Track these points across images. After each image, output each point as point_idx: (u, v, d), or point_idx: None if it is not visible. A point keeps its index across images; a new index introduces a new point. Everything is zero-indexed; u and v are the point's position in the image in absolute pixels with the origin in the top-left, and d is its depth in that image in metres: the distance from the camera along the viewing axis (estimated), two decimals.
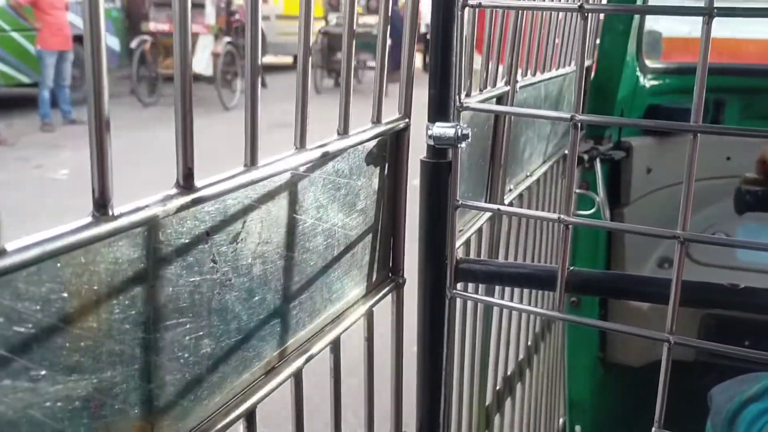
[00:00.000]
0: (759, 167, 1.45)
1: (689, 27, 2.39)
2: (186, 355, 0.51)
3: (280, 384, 0.62)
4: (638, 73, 2.00)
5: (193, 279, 0.50)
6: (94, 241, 0.40)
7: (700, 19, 0.64)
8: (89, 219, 0.40)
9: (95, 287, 0.42)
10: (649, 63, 2.03)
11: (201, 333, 0.52)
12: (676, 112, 2.00)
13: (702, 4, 0.63)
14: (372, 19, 11.53)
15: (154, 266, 0.46)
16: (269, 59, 13.56)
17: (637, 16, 1.92)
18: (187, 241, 0.49)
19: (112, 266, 0.43)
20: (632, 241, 2.02)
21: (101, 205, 0.40)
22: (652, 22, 2.03)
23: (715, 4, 0.63)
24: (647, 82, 2.03)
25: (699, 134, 0.66)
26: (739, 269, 1.92)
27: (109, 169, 0.40)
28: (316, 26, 11.63)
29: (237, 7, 10.87)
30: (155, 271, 0.46)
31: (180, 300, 0.49)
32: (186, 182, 0.47)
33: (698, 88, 0.65)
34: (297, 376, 0.64)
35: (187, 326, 0.50)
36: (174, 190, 0.47)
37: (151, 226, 0.45)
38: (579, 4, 0.65)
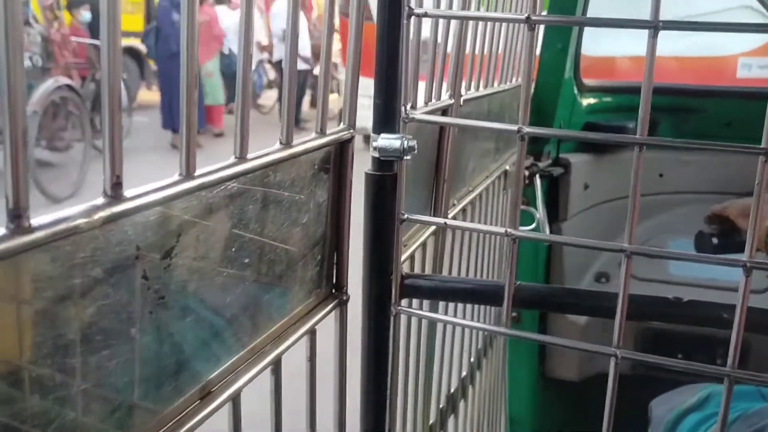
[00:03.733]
0: (714, 220, 1.44)
1: (625, 46, 2.46)
2: (113, 381, 0.47)
3: (217, 409, 0.58)
4: (576, 92, 2.04)
5: (120, 297, 0.46)
6: (8, 256, 0.36)
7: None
8: (3, 231, 0.36)
9: (9, 307, 0.38)
10: (586, 81, 2.07)
11: (130, 356, 0.48)
12: (612, 130, 2.04)
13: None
14: None
15: (77, 283, 0.42)
16: None
17: (575, 35, 1.96)
18: (114, 256, 0.45)
19: (30, 284, 0.39)
20: (570, 256, 2.04)
21: (16, 216, 0.36)
22: (589, 41, 2.08)
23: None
24: (584, 100, 2.07)
25: (644, 147, 0.66)
26: (671, 283, 1.96)
27: (24, 176, 0.36)
28: None
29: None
30: (78, 288, 0.42)
31: (106, 320, 0.45)
32: (114, 191, 0.43)
33: (644, 102, 0.65)
34: (235, 400, 0.60)
35: (115, 349, 0.46)
36: (101, 200, 0.43)
37: (74, 239, 0.41)
38: (526, 15, 0.65)
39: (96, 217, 0.42)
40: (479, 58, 1.22)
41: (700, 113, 2.14)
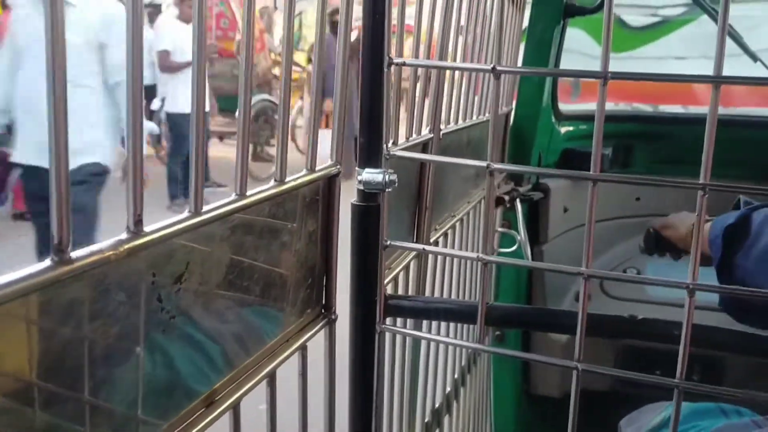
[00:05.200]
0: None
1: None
2: (133, 390, 0.54)
3: (220, 416, 0.65)
4: (553, 120, 2.14)
5: (140, 317, 0.54)
6: (52, 284, 0.44)
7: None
8: (48, 263, 0.44)
9: (49, 326, 0.45)
10: (563, 109, 2.17)
11: (146, 369, 0.56)
12: (588, 156, 2.13)
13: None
14: None
15: (105, 305, 0.50)
16: None
17: (552, 64, 2.06)
18: (135, 282, 0.52)
19: (67, 306, 0.46)
20: (551, 276, 2.13)
21: (60, 251, 0.44)
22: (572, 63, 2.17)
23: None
24: (561, 127, 2.17)
25: (598, 182, 0.75)
26: (648, 302, 2.04)
27: (68, 216, 0.44)
28: None
29: None
30: (106, 310, 0.50)
31: (128, 337, 0.53)
32: (136, 227, 0.51)
33: (596, 142, 0.74)
34: (235, 409, 0.68)
35: (135, 362, 0.54)
36: (125, 235, 0.51)
37: (104, 268, 0.48)
38: (492, 66, 0.73)
39: (121, 249, 0.49)
40: (458, 93, 1.32)
41: (673, 138, 2.23)
